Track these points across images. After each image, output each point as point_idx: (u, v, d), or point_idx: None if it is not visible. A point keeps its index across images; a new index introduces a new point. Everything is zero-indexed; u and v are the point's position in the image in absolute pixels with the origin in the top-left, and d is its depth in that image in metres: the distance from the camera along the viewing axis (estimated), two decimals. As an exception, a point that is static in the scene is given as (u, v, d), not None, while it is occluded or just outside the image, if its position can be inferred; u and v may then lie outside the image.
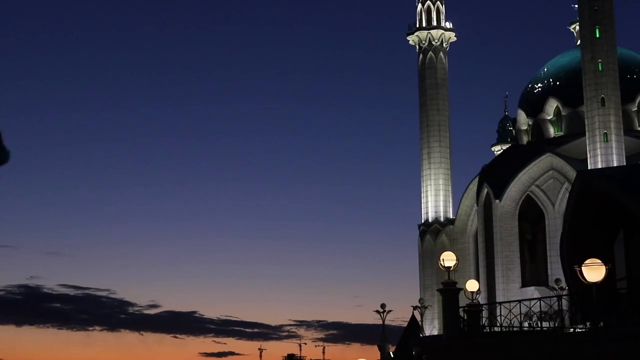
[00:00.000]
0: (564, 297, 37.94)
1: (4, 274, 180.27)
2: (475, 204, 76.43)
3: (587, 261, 26.56)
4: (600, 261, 26.45)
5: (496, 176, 74.30)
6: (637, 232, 35.38)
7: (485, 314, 42.10)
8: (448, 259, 37.19)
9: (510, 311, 36.79)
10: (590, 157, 68.44)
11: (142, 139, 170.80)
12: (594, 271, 26.28)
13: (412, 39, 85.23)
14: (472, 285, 41.72)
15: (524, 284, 71.86)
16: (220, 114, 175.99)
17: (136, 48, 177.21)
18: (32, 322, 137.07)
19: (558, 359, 33.18)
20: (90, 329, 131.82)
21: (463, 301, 41.21)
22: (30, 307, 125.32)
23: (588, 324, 35.11)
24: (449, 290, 37.34)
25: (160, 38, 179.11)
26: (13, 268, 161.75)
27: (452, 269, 37.23)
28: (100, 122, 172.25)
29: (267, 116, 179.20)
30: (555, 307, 37.05)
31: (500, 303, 41.46)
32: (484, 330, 39.39)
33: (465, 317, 37.81)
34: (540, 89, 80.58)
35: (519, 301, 37.07)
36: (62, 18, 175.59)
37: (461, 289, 39.35)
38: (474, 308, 38.50)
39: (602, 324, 33.57)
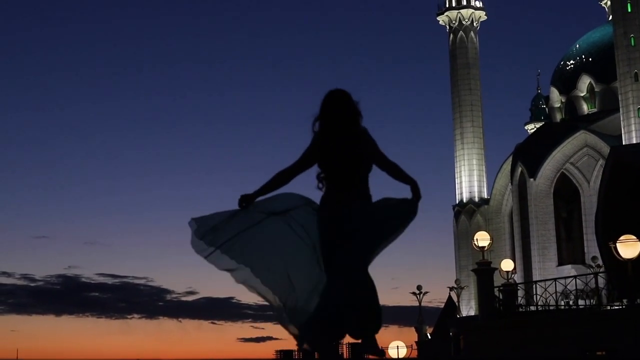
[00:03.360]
0: (600, 274, 37.69)
1: (42, 265, 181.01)
2: (510, 183, 76.12)
3: (622, 237, 26.40)
4: (635, 237, 26.25)
5: (530, 155, 73.95)
6: (672, 207, 35.08)
7: (521, 293, 41.91)
8: (482, 238, 37.11)
9: (545, 290, 36.59)
10: (625, 132, 67.83)
11: (177, 126, 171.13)
12: (629, 247, 26.13)
13: (442, 19, 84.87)
14: (507, 264, 41.66)
15: (561, 263, 71.53)
16: (255, 100, 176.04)
17: (152, 41, 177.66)
18: (71, 312, 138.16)
19: (595, 336, 32.93)
20: (129, 317, 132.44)
21: (500, 281, 41.07)
22: (69, 296, 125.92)
23: (625, 301, 34.85)
24: (484, 270, 37.20)
25: (166, 29, 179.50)
26: (51, 258, 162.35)
27: (486, 248, 37.15)
28: (133, 110, 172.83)
29: (296, 102, 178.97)
30: (592, 284, 36.84)
31: (536, 282, 41.25)
32: (520, 310, 39.19)
33: (501, 297, 37.65)
34: (572, 66, 79.99)
35: (554, 279, 36.89)
36: (56, 12, 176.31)
37: (496, 269, 39.23)
38: (509, 287, 38.35)
39: (639, 301, 33.29)
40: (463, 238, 78.70)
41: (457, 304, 70.65)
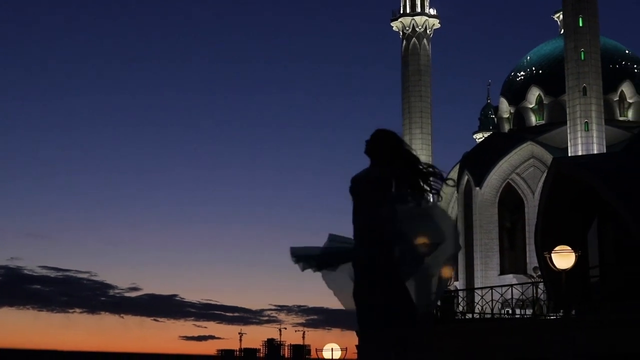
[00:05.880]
0: (537, 284, 37.94)
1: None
2: (456, 191, 76.36)
3: (557, 248, 26.55)
4: (569, 248, 26.40)
5: (477, 164, 74.25)
6: (610, 220, 35.36)
7: (462, 301, 42.03)
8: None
9: (482, 297, 36.76)
10: (571, 145, 68.52)
11: (122, 125, 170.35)
12: (563, 258, 26.30)
13: (395, 25, 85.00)
14: (446, 271, 41.76)
15: (503, 272, 71.87)
16: (198, 103, 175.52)
17: (126, 36, 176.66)
18: (11, 304, 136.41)
19: (530, 346, 33.14)
20: (71, 311, 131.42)
21: (440, 288, 41.07)
22: (10, 288, 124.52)
23: (561, 311, 35.07)
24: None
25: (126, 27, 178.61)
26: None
27: (425, 255, 37.19)
28: (80, 107, 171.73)
29: (247, 104, 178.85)
30: (528, 294, 37.09)
31: (473, 289, 41.41)
32: (458, 317, 39.30)
33: (438, 304, 37.72)
34: (522, 78, 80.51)
35: (491, 287, 37.08)
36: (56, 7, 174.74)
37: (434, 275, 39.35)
38: (447, 294, 38.45)
39: (574, 312, 33.55)
40: (407, 244, 78.83)
41: (399, 309, 70.74)
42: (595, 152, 66.43)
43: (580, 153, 66.48)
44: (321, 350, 58.99)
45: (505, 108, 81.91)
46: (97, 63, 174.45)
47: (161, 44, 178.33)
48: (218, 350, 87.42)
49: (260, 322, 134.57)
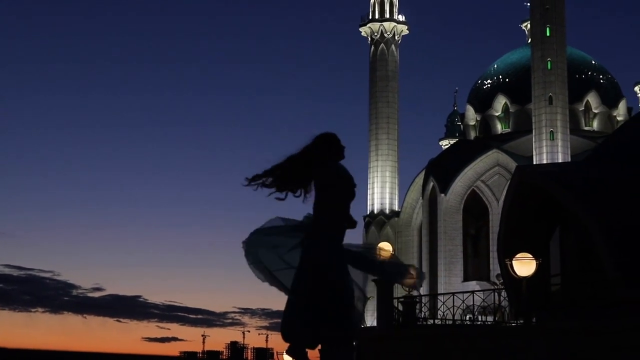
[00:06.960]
0: (497, 291, 38.06)
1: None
2: (421, 198, 76.53)
3: (518, 255, 26.62)
4: (530, 255, 26.49)
5: (442, 170, 74.42)
6: (572, 229, 35.53)
7: (424, 307, 42.03)
8: (383, 249, 37.21)
9: (443, 303, 36.85)
10: (536, 154, 68.89)
11: (87, 124, 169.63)
12: (524, 265, 26.37)
13: (364, 31, 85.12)
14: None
15: (466, 278, 72.05)
16: (168, 103, 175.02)
17: (102, 37, 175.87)
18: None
19: (491, 353, 33.22)
20: (33, 310, 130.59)
21: (403, 293, 41.14)
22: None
23: (522, 319, 35.18)
24: (383, 280, 37.22)
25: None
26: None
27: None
28: (47, 107, 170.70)
29: (215, 106, 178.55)
30: (489, 301, 37.20)
31: (435, 295, 41.49)
32: (419, 322, 39.30)
33: (400, 308, 37.76)
34: (489, 85, 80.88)
35: (453, 294, 37.15)
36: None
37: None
38: (409, 299, 38.48)
39: (534, 319, 33.66)
40: (372, 249, 78.73)
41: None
42: (560, 161, 66.77)
43: (545, 162, 66.79)
44: (281, 354, 58.89)
45: (472, 115, 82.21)
46: (51, 64, 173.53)
47: (139, 46, 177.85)
48: (181, 352, 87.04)
49: (223, 325, 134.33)
